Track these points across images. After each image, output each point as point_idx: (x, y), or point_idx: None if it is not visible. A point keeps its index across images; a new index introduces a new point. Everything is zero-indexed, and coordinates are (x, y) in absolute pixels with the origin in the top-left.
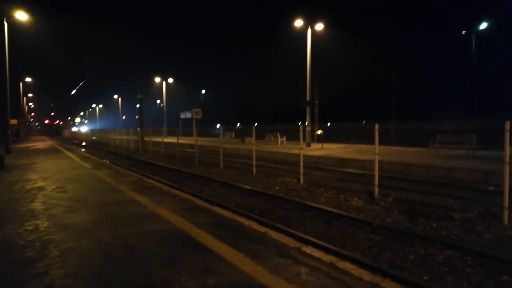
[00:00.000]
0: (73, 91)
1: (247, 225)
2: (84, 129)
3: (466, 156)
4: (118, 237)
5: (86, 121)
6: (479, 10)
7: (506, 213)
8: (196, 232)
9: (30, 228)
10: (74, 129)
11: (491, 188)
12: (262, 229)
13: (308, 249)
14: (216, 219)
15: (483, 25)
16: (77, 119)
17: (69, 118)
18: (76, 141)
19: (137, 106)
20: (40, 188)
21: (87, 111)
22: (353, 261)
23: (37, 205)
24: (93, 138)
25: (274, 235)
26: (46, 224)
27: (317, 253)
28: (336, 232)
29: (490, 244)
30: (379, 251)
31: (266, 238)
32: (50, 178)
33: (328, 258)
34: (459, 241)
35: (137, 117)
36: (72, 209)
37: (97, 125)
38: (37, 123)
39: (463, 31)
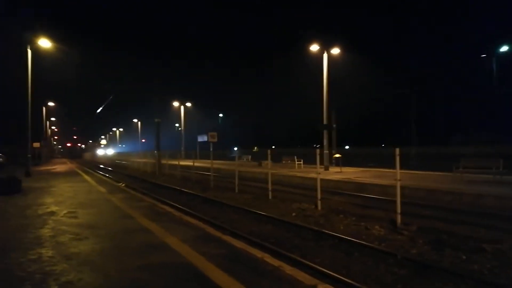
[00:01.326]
0: (99, 109)
1: (260, 257)
2: (110, 151)
3: (493, 182)
4: (122, 270)
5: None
6: (499, 33)
7: None
8: (205, 265)
9: (33, 257)
10: (100, 151)
11: None
12: (276, 262)
13: None
14: (227, 250)
15: (504, 48)
16: (103, 141)
17: (90, 141)
18: (98, 164)
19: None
20: (52, 213)
21: (107, 135)
22: None
23: (45, 231)
24: (116, 161)
25: (288, 269)
26: (50, 253)
27: None
28: (357, 264)
29: None
30: None
31: (279, 273)
32: (63, 203)
33: None
34: (494, 277)
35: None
36: (80, 236)
37: (120, 148)
38: (60, 146)
39: (483, 55)
